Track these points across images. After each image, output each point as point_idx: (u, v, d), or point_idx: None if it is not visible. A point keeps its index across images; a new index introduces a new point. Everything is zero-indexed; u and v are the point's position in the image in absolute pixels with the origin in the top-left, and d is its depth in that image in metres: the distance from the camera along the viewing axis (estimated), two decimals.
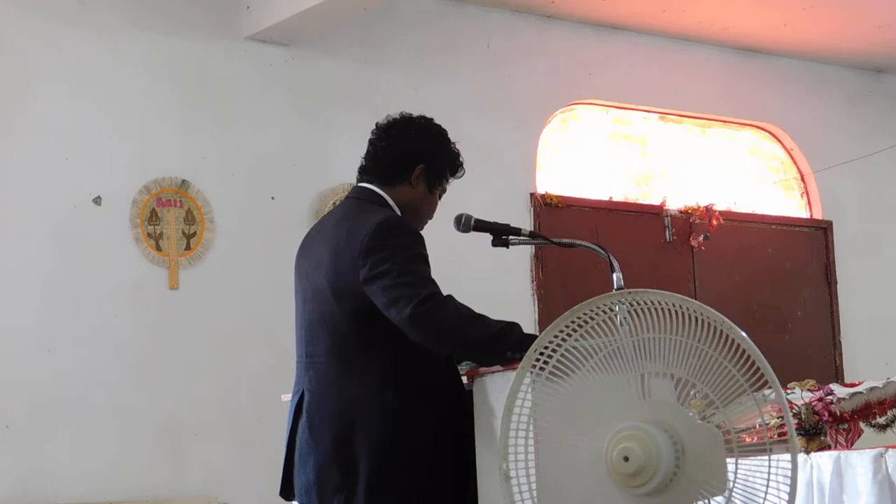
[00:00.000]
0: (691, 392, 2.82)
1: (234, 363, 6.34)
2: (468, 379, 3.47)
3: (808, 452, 4.51)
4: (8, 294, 5.90)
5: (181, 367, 6.23)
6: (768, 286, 8.16)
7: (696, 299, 2.84)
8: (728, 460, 2.79)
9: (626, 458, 2.81)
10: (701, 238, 7.88)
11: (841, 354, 8.38)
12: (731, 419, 2.77)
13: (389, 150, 3.64)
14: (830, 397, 4.75)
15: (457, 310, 3.36)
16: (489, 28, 7.38)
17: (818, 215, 8.53)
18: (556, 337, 2.96)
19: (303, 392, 3.55)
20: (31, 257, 5.97)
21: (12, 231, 5.96)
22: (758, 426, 2.75)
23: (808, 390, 4.81)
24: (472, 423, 3.42)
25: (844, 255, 8.49)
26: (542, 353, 2.97)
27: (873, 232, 8.65)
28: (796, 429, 4.59)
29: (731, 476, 2.80)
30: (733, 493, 2.79)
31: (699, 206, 7.95)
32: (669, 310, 2.81)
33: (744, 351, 2.75)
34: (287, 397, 3.72)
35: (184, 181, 6.38)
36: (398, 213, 3.59)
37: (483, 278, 6.73)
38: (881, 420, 4.84)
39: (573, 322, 2.94)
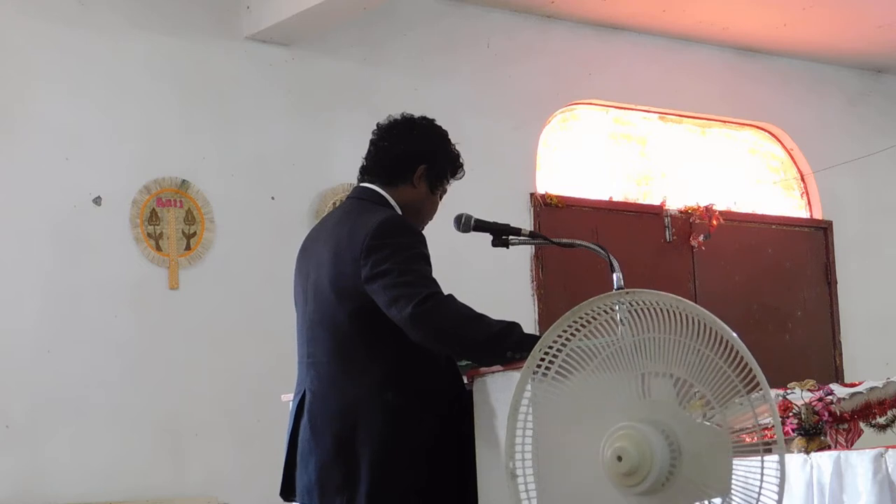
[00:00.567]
0: (693, 392, 2.82)
1: (234, 363, 6.34)
2: (468, 379, 3.47)
3: (808, 452, 4.51)
4: (8, 294, 5.90)
5: (181, 367, 6.23)
6: (768, 286, 8.16)
7: (696, 299, 2.85)
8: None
9: (620, 458, 2.81)
10: (701, 238, 7.87)
11: (841, 354, 8.38)
12: (729, 420, 2.77)
13: (391, 151, 3.64)
14: (830, 397, 4.74)
15: (457, 309, 3.36)
16: (489, 28, 7.38)
17: (818, 215, 8.53)
18: (559, 337, 2.96)
19: (304, 392, 3.55)
20: (31, 257, 5.97)
21: (12, 231, 5.96)
22: (752, 426, 2.75)
23: (808, 390, 4.81)
24: (473, 423, 3.42)
25: (844, 255, 8.49)
26: (546, 353, 2.98)
27: (873, 232, 8.65)
28: (796, 429, 4.59)
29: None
30: (732, 494, 2.79)
31: (699, 206, 7.95)
32: (667, 310, 2.82)
33: (738, 351, 2.75)
34: (287, 397, 3.72)
35: (184, 181, 6.38)
36: (400, 213, 3.59)
37: (483, 278, 6.73)
38: (881, 420, 4.84)
39: (575, 322, 2.94)
